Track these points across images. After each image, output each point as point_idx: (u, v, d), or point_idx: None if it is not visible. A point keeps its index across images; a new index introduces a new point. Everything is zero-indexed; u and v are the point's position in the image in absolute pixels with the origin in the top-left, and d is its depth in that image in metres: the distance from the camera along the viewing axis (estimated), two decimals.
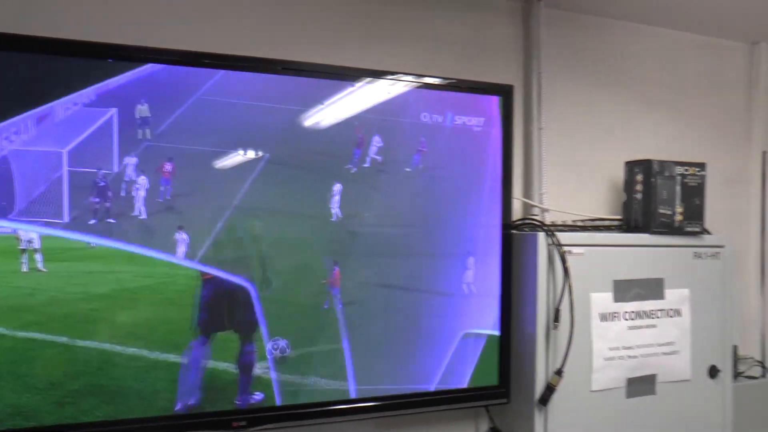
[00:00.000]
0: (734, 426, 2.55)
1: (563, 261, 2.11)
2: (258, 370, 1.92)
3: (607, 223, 2.44)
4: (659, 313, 2.32)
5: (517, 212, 2.42)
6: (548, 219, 2.39)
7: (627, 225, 2.41)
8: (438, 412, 2.21)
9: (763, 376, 2.91)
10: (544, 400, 2.11)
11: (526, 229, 2.23)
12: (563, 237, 2.17)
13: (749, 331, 2.99)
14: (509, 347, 2.19)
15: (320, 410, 1.99)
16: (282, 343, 1.94)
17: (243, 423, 1.91)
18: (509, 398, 2.19)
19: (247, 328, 1.91)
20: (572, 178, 2.54)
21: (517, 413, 2.20)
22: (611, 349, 2.22)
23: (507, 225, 2.20)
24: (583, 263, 2.18)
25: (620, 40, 2.69)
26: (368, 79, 2.02)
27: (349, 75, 2.00)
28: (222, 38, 2.03)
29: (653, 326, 2.31)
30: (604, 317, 2.21)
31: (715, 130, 2.94)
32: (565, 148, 2.53)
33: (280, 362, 1.94)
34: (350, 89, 2.00)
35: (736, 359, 2.78)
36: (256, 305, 1.91)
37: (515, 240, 2.21)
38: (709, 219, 2.56)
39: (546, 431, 2.13)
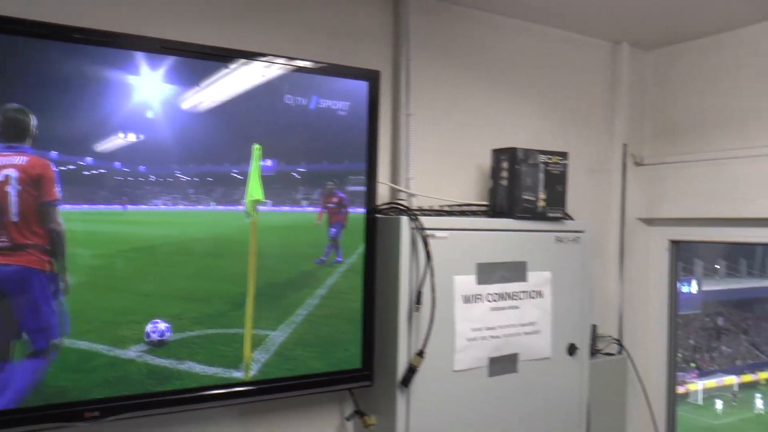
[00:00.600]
0: (591, 398, 2.65)
1: (425, 244, 2.11)
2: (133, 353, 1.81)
3: (474, 208, 2.47)
4: (522, 295, 2.37)
5: (386, 197, 2.40)
6: (416, 204, 2.39)
7: (492, 210, 2.44)
8: (302, 396, 2.16)
9: (620, 352, 3.05)
10: (406, 381, 2.10)
11: (391, 213, 2.21)
12: (429, 221, 2.17)
13: (608, 311, 3.12)
14: (372, 330, 2.17)
15: (177, 398, 1.90)
16: (161, 326, 1.84)
17: (96, 413, 1.80)
18: (373, 381, 2.17)
19: None
20: (440, 164, 2.55)
21: (380, 395, 2.19)
22: (474, 329, 2.24)
23: (372, 209, 2.17)
24: (448, 247, 2.19)
25: (490, 32, 2.72)
26: (242, 60, 1.95)
27: (217, 55, 1.92)
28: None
29: (516, 307, 2.35)
30: (467, 299, 2.22)
31: (579, 122, 3.03)
32: (434, 134, 2.54)
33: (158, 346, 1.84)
34: (224, 71, 1.91)
35: (596, 337, 2.90)
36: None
37: (380, 224, 2.18)
38: (574, 206, 2.65)
39: (408, 412, 2.13)
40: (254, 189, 1.93)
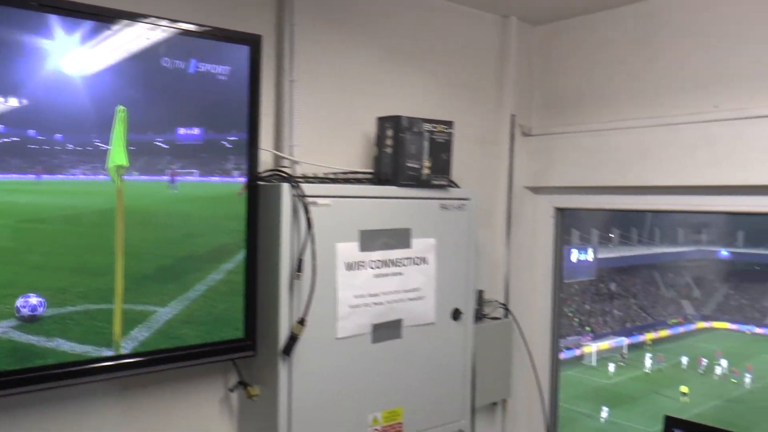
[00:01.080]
0: (477, 361, 2.70)
1: (306, 212, 2.06)
2: None
3: (359, 176, 2.43)
4: (406, 262, 2.36)
5: (270, 165, 2.33)
6: (300, 172, 2.33)
7: (377, 178, 2.42)
8: (185, 369, 2.08)
9: (506, 316, 3.11)
10: (288, 350, 2.06)
11: (274, 181, 2.15)
12: (311, 188, 2.12)
13: (495, 277, 3.18)
14: (255, 300, 2.11)
15: (47, 374, 1.78)
16: (32, 300, 1.71)
17: None
18: (256, 351, 2.11)
19: None
20: (326, 131, 2.50)
21: (263, 365, 2.14)
22: (357, 296, 2.22)
23: (254, 176, 2.10)
24: (330, 214, 2.15)
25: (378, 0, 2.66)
26: (125, 22, 1.83)
27: (98, 15, 1.79)
28: None
29: (399, 274, 2.34)
30: (350, 266, 2.20)
31: (468, 94, 3.04)
32: (319, 101, 2.48)
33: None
34: (107, 32, 1.78)
35: (482, 302, 2.95)
36: None
37: (261, 191, 2.11)
38: (463, 175, 2.67)
39: (291, 381, 2.09)
40: (117, 153, 1.81)
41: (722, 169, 2.55)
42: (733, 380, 23.43)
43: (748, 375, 23.54)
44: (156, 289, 1.92)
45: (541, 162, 3.21)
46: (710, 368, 24.13)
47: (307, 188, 2.10)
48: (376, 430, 2.32)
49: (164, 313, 1.94)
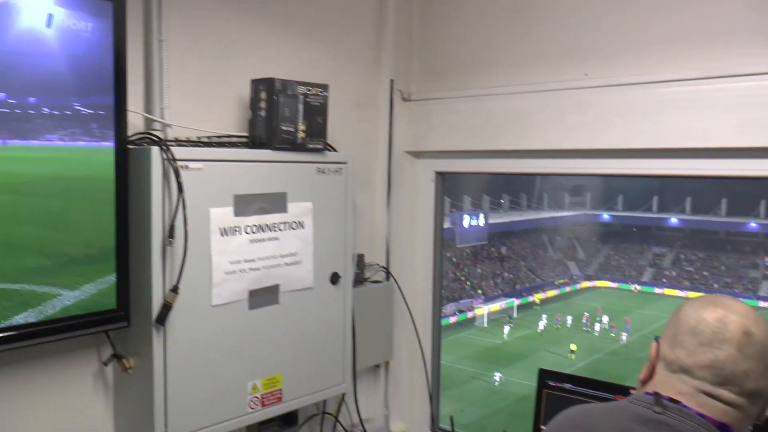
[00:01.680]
0: (359, 324, 2.78)
1: (177, 176, 2.03)
2: None
3: (234, 139, 2.41)
4: (282, 226, 2.38)
5: (140, 128, 2.26)
6: (172, 135, 2.29)
7: (252, 141, 2.40)
8: (56, 343, 2.01)
9: (387, 279, 3.20)
10: (161, 319, 2.04)
11: (144, 144, 2.09)
12: (183, 152, 2.09)
13: (376, 241, 3.25)
14: (127, 268, 2.06)
15: None
16: None
17: None
18: (129, 321, 2.08)
19: None
20: (199, 94, 2.46)
21: (137, 335, 2.11)
22: (232, 262, 2.22)
23: (122, 140, 2.04)
24: (203, 179, 2.13)
25: None
26: None
27: None
28: None
29: (276, 239, 2.36)
30: (224, 232, 2.19)
31: (347, 58, 3.06)
32: (191, 63, 2.43)
33: None
34: None
35: (363, 266, 3.01)
36: None
37: (131, 155, 2.06)
38: (341, 139, 2.70)
39: (166, 351, 2.08)
40: None
41: (591, 134, 2.71)
42: (611, 335, 25.14)
43: (624, 331, 25.32)
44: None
45: (420, 127, 3.28)
46: (592, 325, 25.78)
47: (178, 152, 2.07)
48: (255, 398, 2.34)
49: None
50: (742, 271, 35.28)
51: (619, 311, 28.13)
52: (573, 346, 22.29)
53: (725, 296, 1.50)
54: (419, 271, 3.43)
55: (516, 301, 30.66)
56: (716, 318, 1.42)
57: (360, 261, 2.97)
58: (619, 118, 2.63)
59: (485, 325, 27.66)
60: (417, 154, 3.37)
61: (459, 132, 3.15)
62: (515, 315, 28.35)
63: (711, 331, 1.40)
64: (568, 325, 26.65)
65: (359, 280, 2.95)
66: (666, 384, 1.45)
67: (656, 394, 1.42)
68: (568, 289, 35.36)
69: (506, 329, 25.90)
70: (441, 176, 3.42)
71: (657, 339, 1.53)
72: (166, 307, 2.05)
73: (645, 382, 1.53)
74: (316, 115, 2.49)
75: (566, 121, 2.78)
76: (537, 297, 32.41)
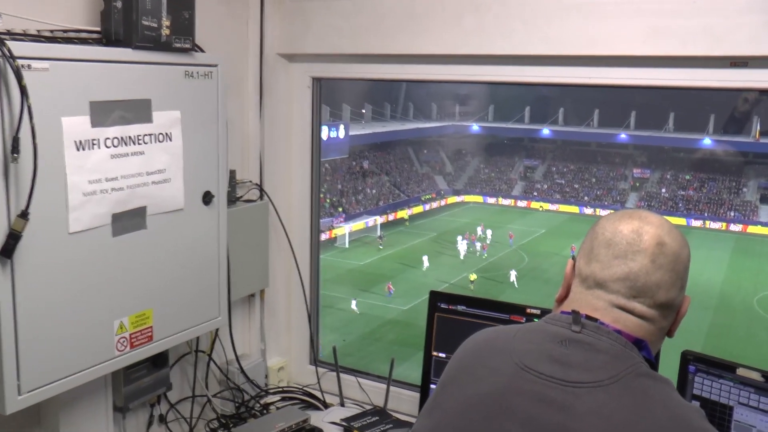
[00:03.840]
0: (232, 247, 2.77)
1: (18, 77, 1.87)
2: None
3: (84, 35, 2.25)
4: (147, 138, 2.28)
5: None
6: (2, 26, 2.08)
7: (107, 38, 2.25)
8: None
9: (261, 198, 3.17)
10: (8, 251, 1.91)
11: None
12: (24, 48, 1.92)
13: (248, 155, 3.21)
14: None
15: None
16: None
17: None
18: None
19: None
20: None
21: None
22: (91, 182, 2.11)
23: None
24: (51, 82, 1.98)
25: None
26: None
27: None
28: None
29: (141, 153, 2.26)
30: (80, 145, 2.07)
31: None
32: None
33: None
34: None
35: (235, 184, 2.96)
36: None
37: None
38: (207, 39, 2.58)
39: (14, 289, 1.94)
40: None
41: (489, 39, 2.77)
42: (483, 256, 26.51)
43: (483, 251, 26.74)
44: None
45: (296, 27, 3.20)
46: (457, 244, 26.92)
47: (17, 48, 1.89)
48: (123, 338, 2.29)
49: None
50: (612, 183, 38.19)
51: (493, 227, 29.56)
52: (472, 276, 22.85)
53: (643, 210, 1.63)
54: (295, 188, 3.42)
55: (380, 219, 31.46)
56: (632, 229, 1.54)
57: (231, 178, 2.92)
58: (520, 23, 2.70)
59: (346, 245, 28.23)
60: (291, 57, 3.30)
61: (340, 33, 3.10)
62: (379, 233, 29.07)
63: (626, 242, 1.53)
64: (437, 242, 27.69)
65: (231, 199, 2.91)
66: (582, 301, 1.57)
67: (574, 312, 1.54)
68: (435, 204, 36.68)
69: (368, 249, 26.63)
70: (318, 82, 3.38)
71: (573, 257, 1.65)
72: (14, 237, 1.91)
73: (561, 300, 1.65)
74: (183, 9, 2.35)
75: (463, 25, 2.82)
76: (401, 214, 33.37)
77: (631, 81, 2.61)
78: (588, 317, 1.53)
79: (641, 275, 1.51)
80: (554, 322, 1.56)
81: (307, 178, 3.44)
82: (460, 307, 2.73)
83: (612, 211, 1.71)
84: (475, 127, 42.87)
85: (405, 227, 32.10)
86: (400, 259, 25.64)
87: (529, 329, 1.60)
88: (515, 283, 22.16)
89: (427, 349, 2.76)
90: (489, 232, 28.91)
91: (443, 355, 2.71)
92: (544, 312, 2.49)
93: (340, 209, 32.69)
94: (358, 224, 30.46)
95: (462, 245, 26.49)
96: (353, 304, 20.29)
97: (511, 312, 2.66)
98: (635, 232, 1.54)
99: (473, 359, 1.61)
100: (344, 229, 29.22)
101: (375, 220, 31.11)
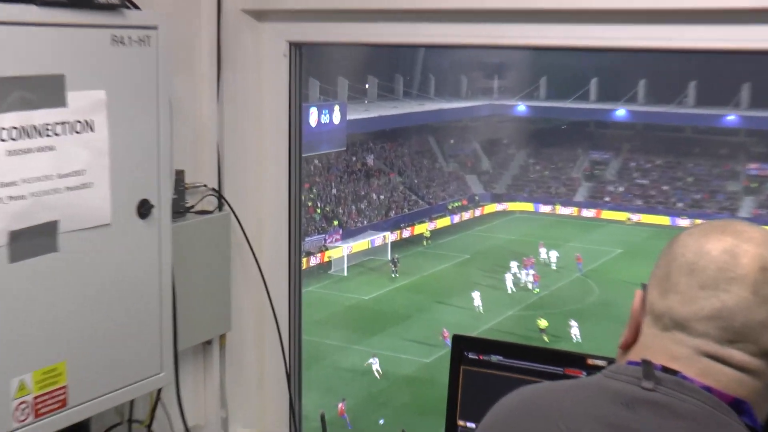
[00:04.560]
0: (180, 276, 2.80)
1: None
2: None
3: None
4: (59, 129, 2.32)
5: None
6: None
7: None
8: None
9: (220, 209, 3.18)
10: None
11: None
12: None
13: (202, 150, 3.22)
14: None
15: None
16: None
17: None
18: None
19: None
20: None
21: None
22: None
23: None
24: None
25: None
26: None
27: None
28: None
29: (50, 148, 2.30)
30: None
31: None
32: None
33: None
34: None
35: (183, 189, 2.99)
36: None
37: None
38: None
39: None
40: None
41: None
42: (536, 290, 26.48)
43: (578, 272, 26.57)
44: None
45: None
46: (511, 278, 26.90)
47: None
48: (24, 403, 2.30)
49: None
50: (717, 184, 37.93)
51: (552, 245, 29.47)
52: (542, 322, 22.83)
53: (736, 221, 1.61)
54: (268, 194, 3.43)
55: (392, 236, 31.47)
56: (724, 249, 1.52)
57: (179, 181, 2.94)
58: None
59: (345, 272, 28.21)
60: (261, 15, 3.33)
61: None
62: (391, 256, 29.06)
63: (716, 267, 1.51)
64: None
65: (178, 210, 2.93)
66: (656, 347, 1.56)
67: (645, 363, 1.53)
68: (467, 215, 36.64)
69: (377, 276, 26.62)
70: (297, 49, 3.40)
71: (643, 285, 1.65)
72: None
73: (627, 346, 1.64)
74: None
75: None
76: (422, 228, 33.38)
77: (714, 43, 2.62)
78: (664, 369, 1.53)
79: (739, 312, 1.49)
80: (617, 377, 1.56)
81: (284, 181, 3.45)
82: (496, 358, 2.73)
83: (696, 222, 1.71)
84: (521, 108, 42.79)
85: (425, 247, 32.08)
86: (422, 291, 25.63)
87: (583, 386, 1.60)
88: (576, 337, 22.17)
89: (450, 418, 2.75)
90: (554, 255, 28.86)
91: (472, 426, 2.71)
92: (611, 363, 2.49)
93: (336, 222, 32.79)
94: (360, 243, 30.53)
95: (509, 275, 26.44)
96: (373, 363, 20.23)
97: (567, 363, 2.65)
98: (729, 252, 1.52)
99: (506, 427, 1.61)
100: (342, 250, 29.29)
101: (384, 237, 31.16)
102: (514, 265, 27.09)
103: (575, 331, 22.37)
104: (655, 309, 1.59)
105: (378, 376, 19.86)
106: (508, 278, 26.46)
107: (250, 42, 3.34)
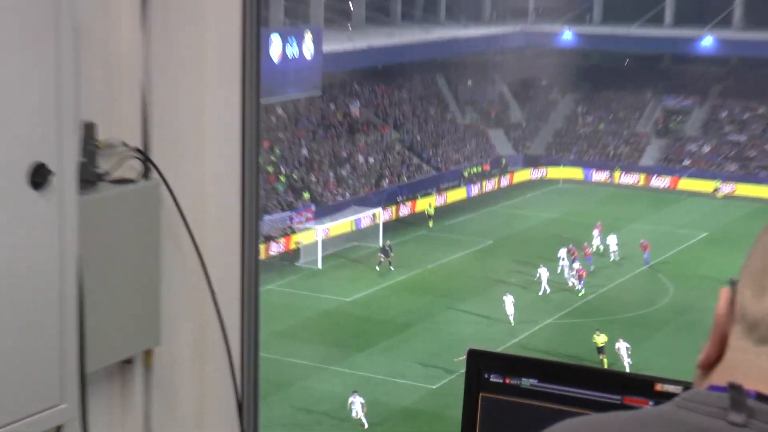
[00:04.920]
0: (85, 273, 2.83)
1: None
2: None
3: None
4: None
5: None
6: None
7: None
8: None
9: (146, 176, 3.19)
10: None
11: None
12: None
13: (120, 96, 3.22)
14: None
15: None
16: None
17: None
18: None
19: None
20: None
21: None
22: None
23: None
24: None
25: None
26: None
27: None
28: None
29: None
30: None
31: None
32: None
33: None
34: None
35: (94, 149, 2.99)
36: None
37: None
38: None
39: None
40: None
41: None
42: (581, 292, 26.52)
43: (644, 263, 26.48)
44: None
45: None
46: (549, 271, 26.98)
47: None
48: None
49: None
50: None
51: (609, 228, 29.38)
52: (600, 338, 23.02)
53: None
54: (212, 156, 3.44)
55: (385, 214, 31.34)
56: None
57: (88, 138, 2.95)
58: None
59: (319, 264, 28.01)
60: None
61: None
62: (383, 241, 28.97)
63: None
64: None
65: (88, 178, 2.94)
66: (749, 366, 1.58)
67: (733, 389, 1.55)
68: (490, 186, 36.43)
69: (361, 269, 26.64)
70: None
71: (732, 282, 1.66)
72: None
73: (709, 365, 1.66)
74: None
75: None
76: (426, 203, 33.24)
77: None
78: (760, 397, 1.55)
79: None
80: (695, 407, 1.58)
81: (236, 137, 3.46)
82: (528, 381, 2.73)
83: None
84: (567, 36, 42.30)
85: (429, 229, 31.92)
86: (426, 291, 25.61)
87: (649, 420, 1.62)
88: (625, 357, 22.31)
89: None
90: (613, 240, 28.90)
91: None
92: (688, 388, 2.50)
93: (307, 195, 32.70)
94: (340, 224, 30.46)
95: (547, 270, 26.50)
96: (353, 404, 20.37)
97: (628, 390, 2.65)
98: None
99: None
100: (314, 234, 29.21)
101: (374, 215, 31.01)
102: (563, 252, 27.12)
103: (623, 352, 22.58)
104: (747, 315, 1.60)
105: (364, 424, 19.98)
106: (543, 274, 26.50)
107: None
